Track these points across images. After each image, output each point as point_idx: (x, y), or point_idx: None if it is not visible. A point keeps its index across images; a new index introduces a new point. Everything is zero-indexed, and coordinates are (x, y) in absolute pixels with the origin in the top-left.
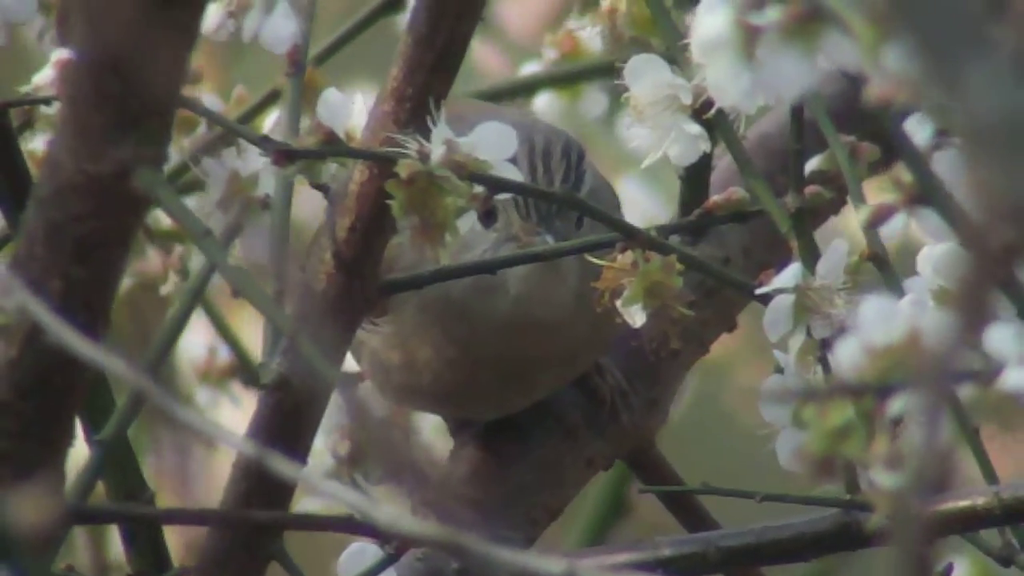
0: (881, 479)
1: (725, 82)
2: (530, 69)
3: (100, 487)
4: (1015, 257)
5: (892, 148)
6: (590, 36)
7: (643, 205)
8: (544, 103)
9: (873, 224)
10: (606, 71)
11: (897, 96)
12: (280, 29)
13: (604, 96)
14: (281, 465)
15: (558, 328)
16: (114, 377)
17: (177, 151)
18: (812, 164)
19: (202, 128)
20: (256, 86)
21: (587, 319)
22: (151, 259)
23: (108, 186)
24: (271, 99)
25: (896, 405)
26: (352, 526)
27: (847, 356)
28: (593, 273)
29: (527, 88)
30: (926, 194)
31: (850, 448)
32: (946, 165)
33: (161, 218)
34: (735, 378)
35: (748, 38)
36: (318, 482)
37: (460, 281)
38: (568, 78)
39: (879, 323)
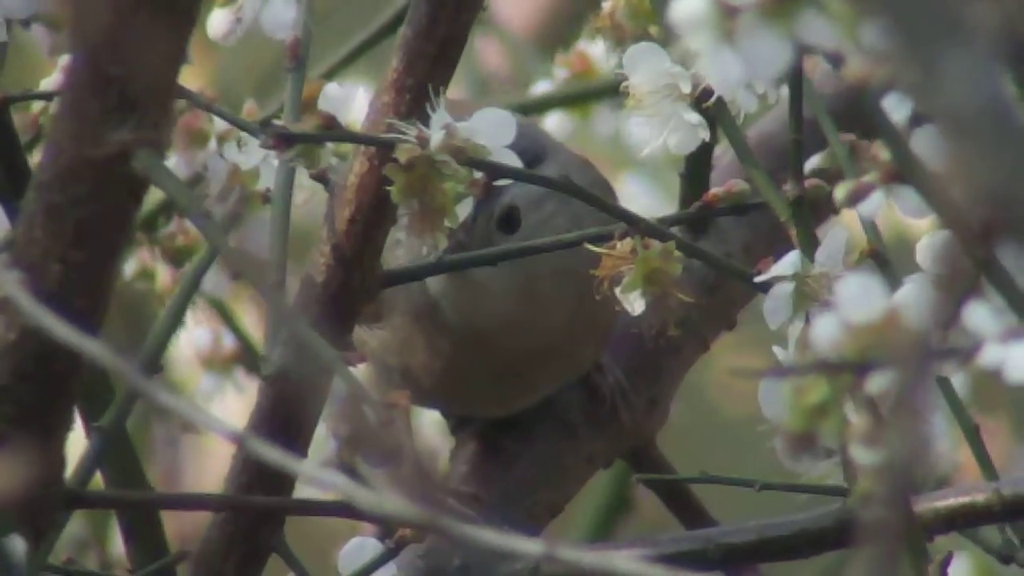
0: (860, 456)
1: (704, 63)
2: (541, 88)
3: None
4: (994, 237)
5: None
6: (595, 48)
7: (646, 203)
8: (554, 122)
9: (852, 202)
10: (617, 90)
11: (875, 75)
12: (281, 14)
13: (614, 115)
14: (269, 452)
15: (510, 331)
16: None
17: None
18: (812, 162)
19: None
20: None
21: (551, 315)
22: (161, 275)
23: (108, 170)
24: (277, 114)
25: (875, 382)
26: (350, 511)
27: (826, 333)
28: (559, 269)
29: (538, 107)
30: (904, 172)
31: (828, 426)
32: (925, 143)
33: (175, 236)
34: (723, 372)
35: (726, 18)
36: (306, 468)
37: (417, 292)
38: (578, 97)
39: (858, 300)
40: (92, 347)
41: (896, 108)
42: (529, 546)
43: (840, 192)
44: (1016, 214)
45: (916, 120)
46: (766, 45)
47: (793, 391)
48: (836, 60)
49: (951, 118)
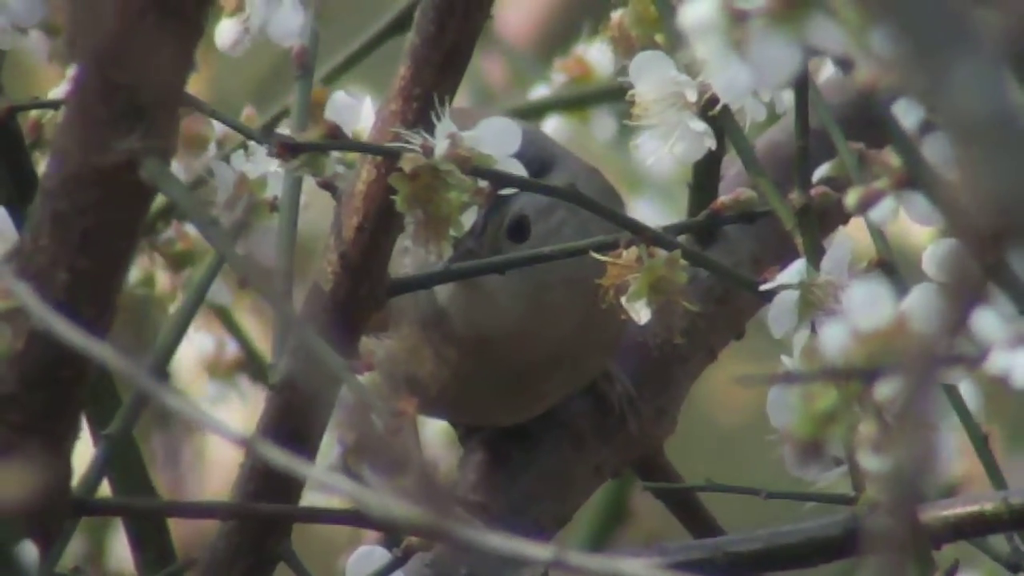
0: (868, 463)
1: (713, 69)
2: (539, 92)
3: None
4: (1003, 243)
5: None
6: (599, 50)
7: (656, 222)
8: (553, 126)
9: (862, 208)
10: (615, 94)
11: (885, 80)
12: (288, 21)
13: (613, 119)
14: (277, 455)
15: (518, 339)
16: (117, 374)
17: (187, 169)
18: (821, 171)
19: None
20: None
21: (560, 324)
22: (160, 280)
23: (115, 177)
24: (281, 117)
25: (883, 389)
26: (357, 518)
27: (834, 340)
28: (568, 278)
29: (536, 111)
30: (915, 178)
31: (836, 432)
32: (935, 149)
33: (174, 241)
34: (721, 381)
35: (735, 23)
36: (314, 472)
37: (425, 300)
38: (577, 101)
39: (866, 307)
40: (102, 351)
41: (906, 114)
42: (538, 551)
43: (851, 198)
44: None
45: (927, 126)
46: (775, 50)
47: (802, 398)
48: (846, 65)
49: (959, 125)
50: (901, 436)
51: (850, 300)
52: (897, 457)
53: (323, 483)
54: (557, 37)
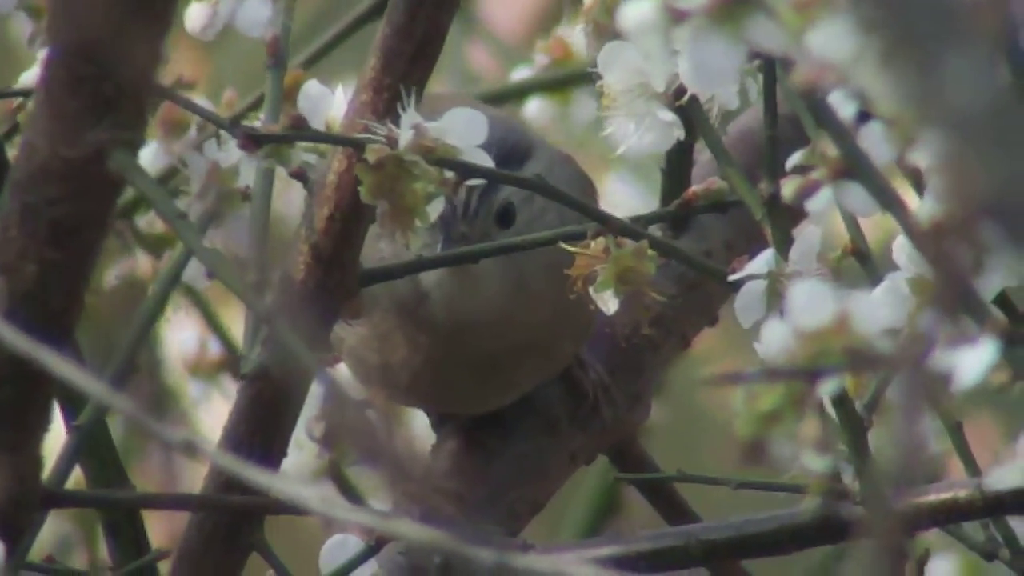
0: (811, 463)
1: (653, 67)
2: (521, 74)
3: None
4: (950, 237)
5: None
6: (574, 35)
7: (631, 203)
8: (535, 108)
9: (799, 199)
10: (596, 76)
11: (823, 80)
12: (256, 13)
13: (594, 101)
14: (254, 473)
15: (499, 325)
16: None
17: (166, 152)
18: (794, 159)
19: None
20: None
21: (539, 310)
22: (140, 263)
23: (83, 170)
24: (261, 102)
25: (825, 388)
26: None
27: (776, 340)
28: (549, 265)
29: (518, 93)
30: (852, 168)
31: (780, 432)
32: (871, 140)
33: (153, 222)
34: (711, 374)
35: (674, 23)
36: (291, 488)
37: (402, 285)
38: (558, 83)
39: (809, 307)
40: (53, 361)
41: (843, 104)
42: (482, 554)
43: (787, 189)
44: (1017, 214)
45: (863, 116)
46: (715, 50)
47: (745, 398)
48: (785, 64)
49: (954, 121)
50: (891, 431)
51: (792, 299)
52: (887, 452)
53: (272, 487)
54: (545, 31)
